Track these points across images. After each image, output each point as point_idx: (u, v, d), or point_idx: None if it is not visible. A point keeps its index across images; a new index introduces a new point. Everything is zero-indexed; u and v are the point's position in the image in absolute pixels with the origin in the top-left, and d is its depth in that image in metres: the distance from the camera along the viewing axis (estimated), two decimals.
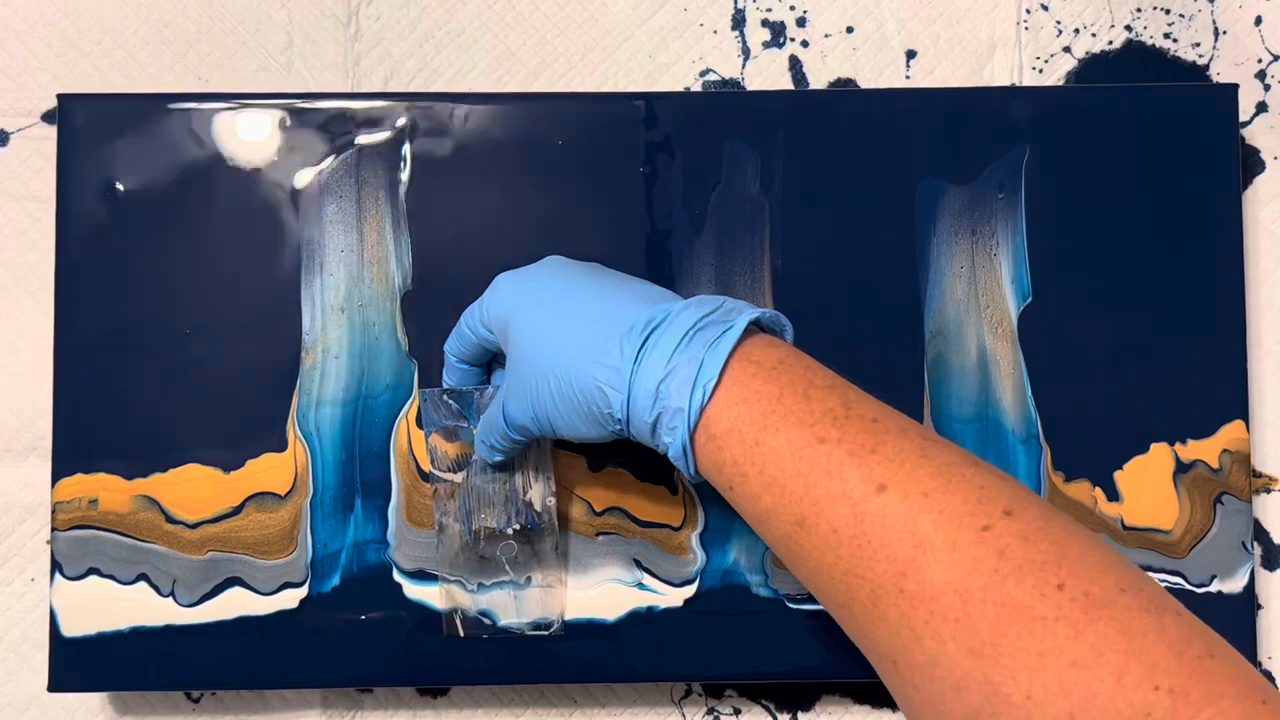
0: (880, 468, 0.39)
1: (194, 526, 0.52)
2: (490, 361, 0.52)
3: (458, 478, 0.51)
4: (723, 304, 0.44)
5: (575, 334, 0.44)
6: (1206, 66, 0.58)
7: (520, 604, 0.52)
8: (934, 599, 0.37)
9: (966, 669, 0.36)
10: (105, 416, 0.52)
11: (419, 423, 0.52)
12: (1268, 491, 0.56)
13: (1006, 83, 0.58)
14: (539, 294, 0.46)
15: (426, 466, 0.52)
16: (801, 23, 0.58)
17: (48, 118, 0.57)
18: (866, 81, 0.58)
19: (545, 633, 0.52)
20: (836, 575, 0.39)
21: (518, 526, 0.51)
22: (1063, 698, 0.34)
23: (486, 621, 0.52)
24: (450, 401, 0.51)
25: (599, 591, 0.52)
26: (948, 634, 0.36)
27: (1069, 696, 0.34)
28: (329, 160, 0.53)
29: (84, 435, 0.52)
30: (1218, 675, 0.34)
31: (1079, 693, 0.34)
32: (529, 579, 0.52)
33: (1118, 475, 0.53)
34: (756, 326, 0.44)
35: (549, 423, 0.45)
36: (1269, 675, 0.56)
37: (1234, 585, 0.53)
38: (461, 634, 0.52)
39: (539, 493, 0.51)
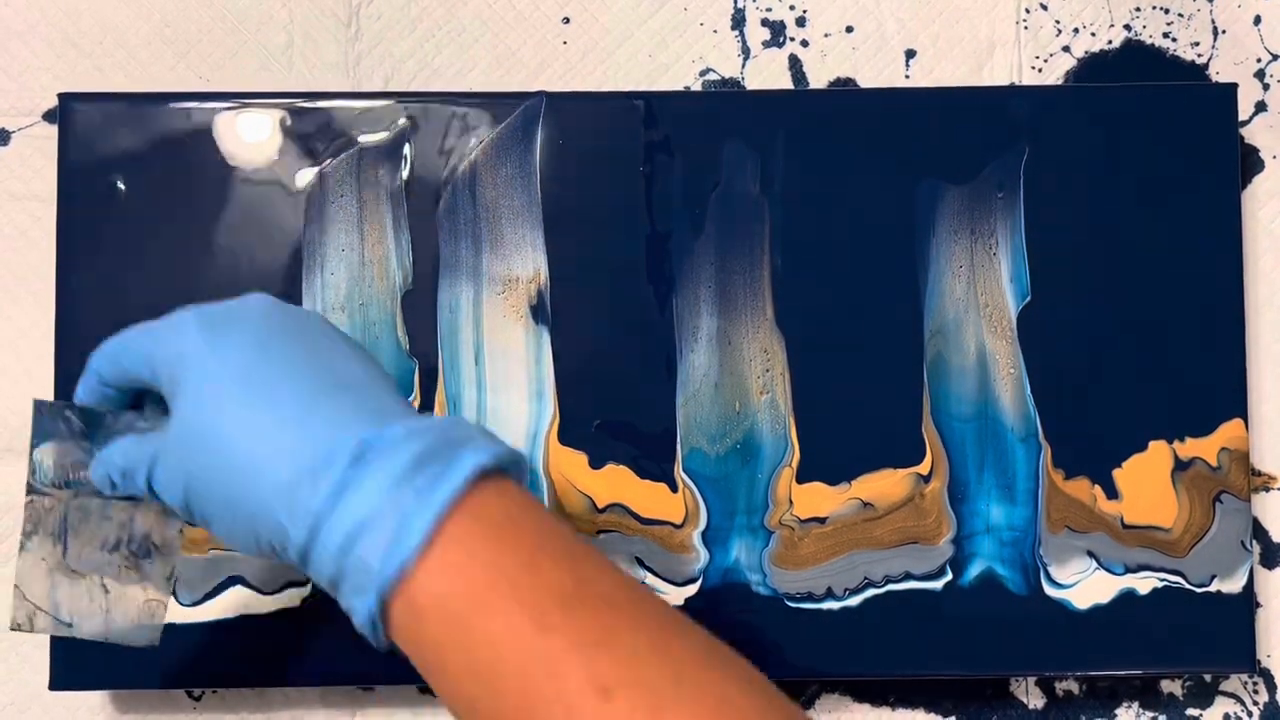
0: (607, 666, 0.32)
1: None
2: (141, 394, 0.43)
3: (63, 495, 0.42)
4: (448, 431, 0.36)
5: (264, 438, 0.36)
6: (1205, 66, 0.58)
7: (111, 617, 0.43)
8: None
9: None
10: None
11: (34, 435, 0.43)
12: (1266, 490, 0.56)
13: (1006, 82, 0.58)
14: (235, 363, 0.37)
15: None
16: (801, 22, 0.58)
17: (49, 117, 0.57)
18: (866, 81, 0.58)
19: (140, 645, 0.44)
20: None
21: (128, 554, 0.43)
22: None
23: (66, 624, 0.43)
24: (73, 418, 0.42)
25: None
26: None
27: None
28: (329, 160, 0.53)
29: None
30: None
31: None
32: (125, 594, 0.44)
33: (1117, 473, 0.53)
34: (485, 471, 0.36)
35: (204, 520, 0.38)
36: (1267, 674, 0.56)
37: (1233, 585, 0.53)
38: (33, 630, 0.43)
39: (159, 525, 0.44)
